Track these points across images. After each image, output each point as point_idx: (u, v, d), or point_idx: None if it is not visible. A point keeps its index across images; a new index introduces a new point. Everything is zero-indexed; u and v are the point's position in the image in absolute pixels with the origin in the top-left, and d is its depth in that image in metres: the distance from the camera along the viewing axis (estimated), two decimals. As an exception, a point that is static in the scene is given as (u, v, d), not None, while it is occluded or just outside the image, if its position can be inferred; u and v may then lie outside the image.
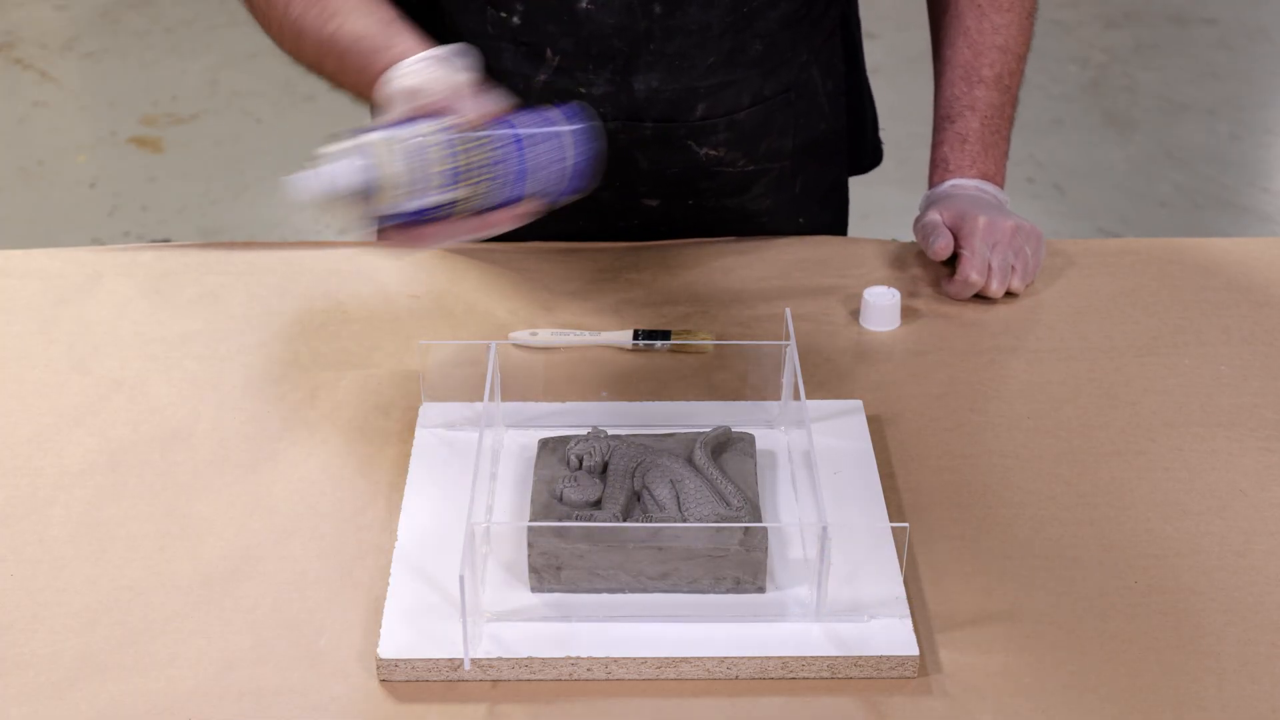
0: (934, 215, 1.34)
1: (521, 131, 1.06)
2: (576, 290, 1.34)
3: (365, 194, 1.02)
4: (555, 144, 1.07)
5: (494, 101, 1.06)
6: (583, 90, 1.32)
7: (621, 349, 1.26)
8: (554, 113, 1.08)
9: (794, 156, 1.43)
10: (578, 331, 1.27)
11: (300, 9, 1.20)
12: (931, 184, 1.40)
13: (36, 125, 3.61)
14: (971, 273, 1.30)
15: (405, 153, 1.02)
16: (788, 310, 1.16)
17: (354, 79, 1.17)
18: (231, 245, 1.41)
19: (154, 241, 3.07)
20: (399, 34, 1.14)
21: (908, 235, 1.41)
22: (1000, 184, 1.40)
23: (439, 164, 1.02)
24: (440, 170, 1.03)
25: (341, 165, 1.01)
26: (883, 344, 1.28)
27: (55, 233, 3.16)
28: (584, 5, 1.29)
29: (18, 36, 3.99)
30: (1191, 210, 3.29)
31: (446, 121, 1.04)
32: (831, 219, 1.54)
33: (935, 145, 1.41)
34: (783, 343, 1.15)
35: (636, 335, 1.26)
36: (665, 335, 1.26)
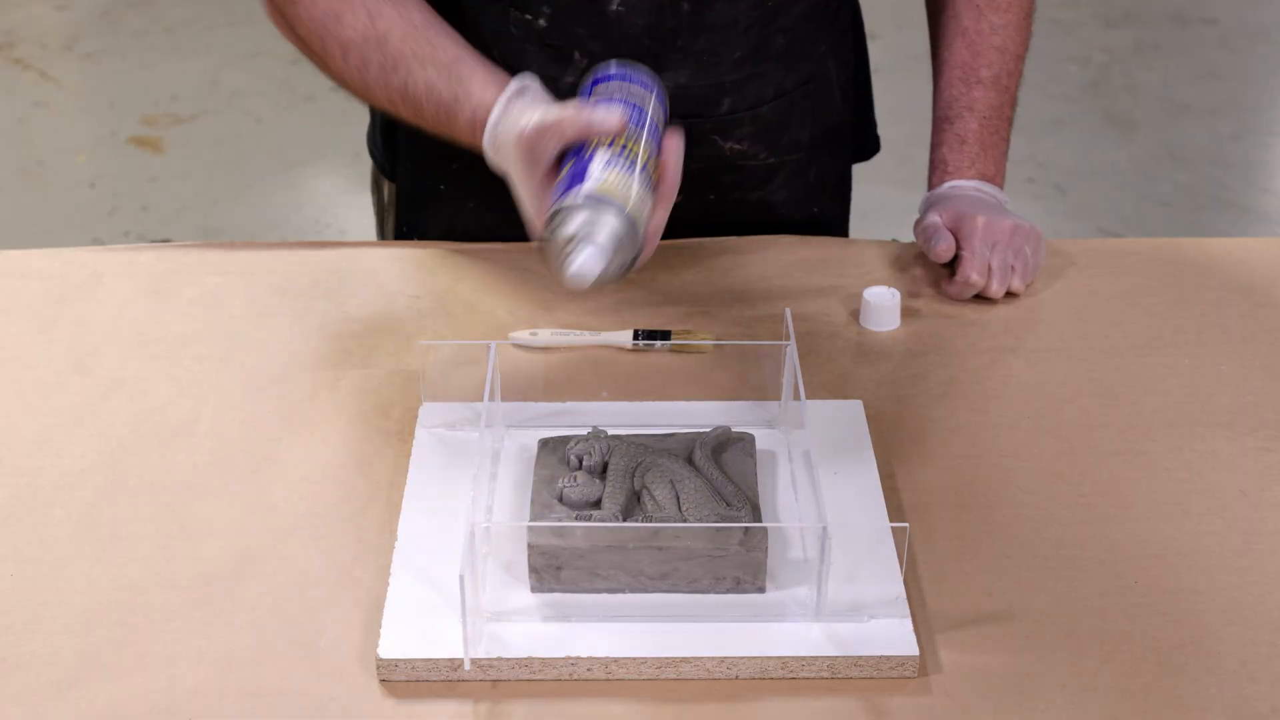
0: (934, 217, 1.34)
1: (646, 112, 1.10)
2: (576, 293, 1.33)
3: (626, 237, 1.03)
4: (660, 105, 1.12)
5: (606, 103, 1.09)
6: None
7: (621, 349, 1.26)
8: (623, 73, 1.12)
9: (809, 148, 1.44)
10: (578, 331, 1.27)
11: (359, 60, 1.22)
12: (931, 185, 1.40)
13: (36, 125, 3.61)
14: (972, 273, 1.30)
15: (632, 177, 1.05)
16: (787, 310, 1.16)
17: (435, 129, 1.20)
18: (232, 245, 1.41)
19: (154, 241, 3.07)
20: (464, 80, 1.17)
21: (908, 235, 1.41)
22: (1000, 184, 1.40)
23: (640, 174, 1.06)
24: (644, 178, 1.06)
25: (598, 225, 1.02)
26: (883, 344, 1.28)
27: (55, 233, 3.16)
28: (615, 7, 1.29)
29: (18, 36, 3.99)
30: (1192, 210, 3.29)
31: (607, 138, 1.06)
32: (840, 209, 1.54)
33: (934, 147, 1.41)
34: (783, 343, 1.15)
35: (636, 335, 1.26)
36: (665, 335, 1.26)
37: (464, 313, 1.31)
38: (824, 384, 1.22)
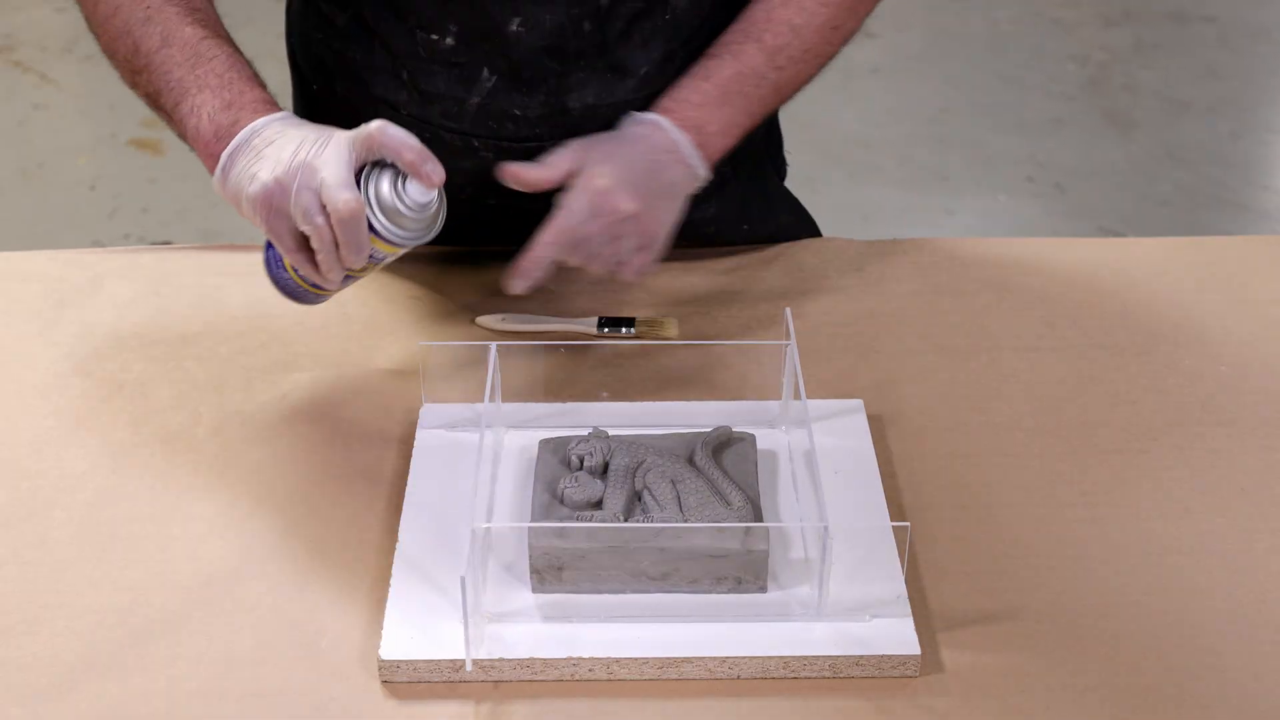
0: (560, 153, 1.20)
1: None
2: (579, 291, 1.34)
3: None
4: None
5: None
6: (518, 112, 1.29)
7: (619, 343, 1.27)
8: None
9: (730, 162, 1.41)
10: (545, 318, 1.29)
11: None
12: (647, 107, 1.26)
13: (37, 127, 3.61)
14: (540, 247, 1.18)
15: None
16: (788, 310, 1.16)
17: (151, 104, 1.18)
18: (232, 247, 1.41)
19: (155, 244, 3.08)
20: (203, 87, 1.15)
21: (908, 235, 1.41)
22: (710, 153, 1.25)
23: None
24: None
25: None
26: (883, 343, 1.28)
27: (56, 235, 3.16)
28: (514, 27, 1.26)
29: (17, 39, 3.99)
30: (1192, 209, 3.29)
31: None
32: (774, 228, 1.47)
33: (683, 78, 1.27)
34: (783, 342, 1.15)
35: (601, 323, 1.27)
36: (629, 322, 1.28)
37: (464, 313, 1.31)
38: (824, 384, 1.22)
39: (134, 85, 1.20)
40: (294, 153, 1.07)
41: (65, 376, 1.23)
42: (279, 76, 1.50)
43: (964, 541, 1.07)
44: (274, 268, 1.16)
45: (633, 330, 1.28)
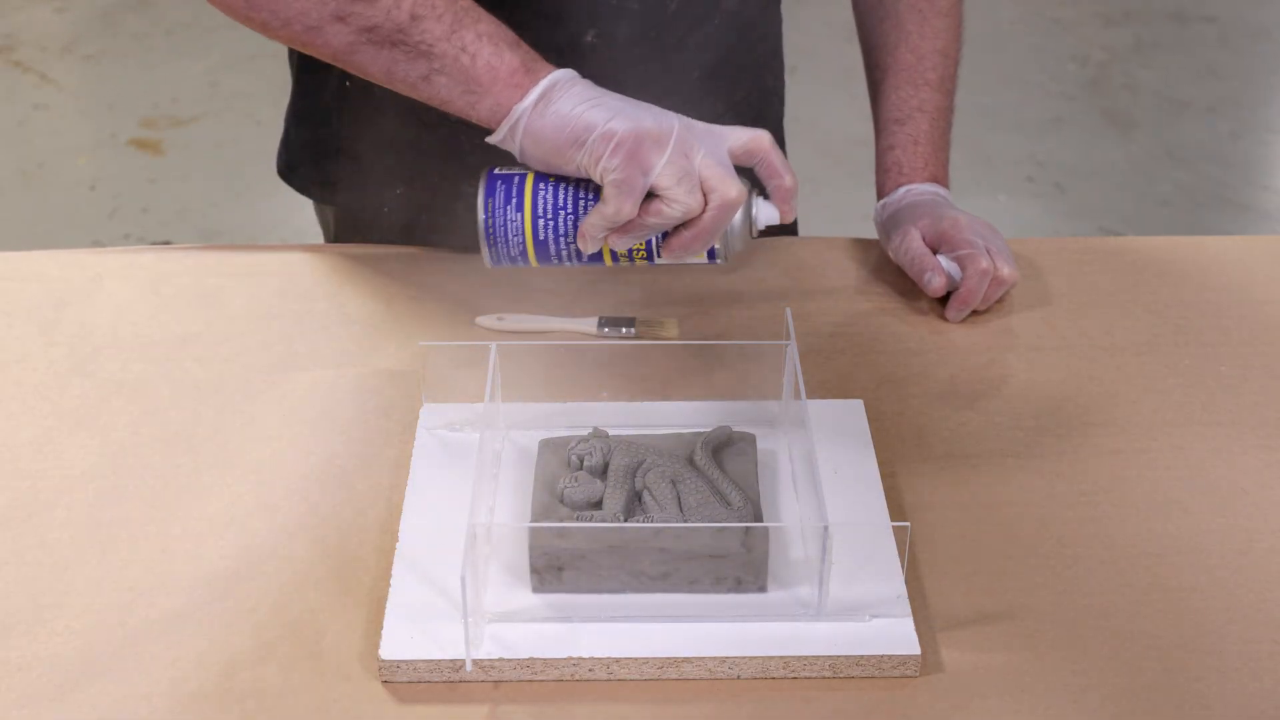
0: (917, 242, 1.31)
1: None
2: (580, 291, 1.34)
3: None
4: None
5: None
6: None
7: (619, 343, 1.26)
8: None
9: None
10: (544, 317, 1.29)
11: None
12: (884, 189, 1.39)
13: (37, 127, 3.62)
14: (982, 260, 1.29)
15: None
16: (788, 310, 1.16)
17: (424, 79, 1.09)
18: (232, 247, 1.41)
19: (154, 243, 3.08)
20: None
21: (908, 235, 1.41)
22: (947, 186, 1.39)
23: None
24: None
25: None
26: (883, 343, 1.28)
27: (56, 235, 3.17)
28: (588, 39, 1.27)
29: (17, 39, 3.99)
30: (1192, 209, 3.29)
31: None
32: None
33: (886, 149, 1.39)
34: (783, 342, 1.15)
35: (601, 323, 1.28)
36: (630, 322, 1.28)
37: (464, 313, 1.31)
38: (824, 384, 1.22)
39: None
40: (659, 114, 1.06)
41: (65, 376, 1.23)
42: (281, 75, 1.49)
43: (964, 541, 1.07)
44: (548, 207, 1.08)
45: (633, 330, 1.28)
